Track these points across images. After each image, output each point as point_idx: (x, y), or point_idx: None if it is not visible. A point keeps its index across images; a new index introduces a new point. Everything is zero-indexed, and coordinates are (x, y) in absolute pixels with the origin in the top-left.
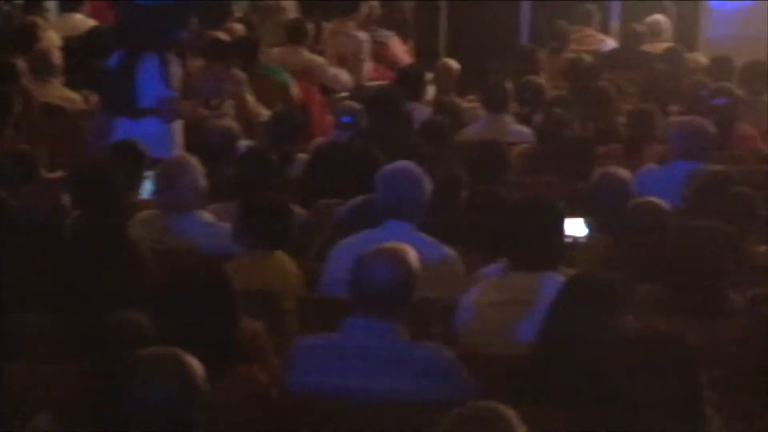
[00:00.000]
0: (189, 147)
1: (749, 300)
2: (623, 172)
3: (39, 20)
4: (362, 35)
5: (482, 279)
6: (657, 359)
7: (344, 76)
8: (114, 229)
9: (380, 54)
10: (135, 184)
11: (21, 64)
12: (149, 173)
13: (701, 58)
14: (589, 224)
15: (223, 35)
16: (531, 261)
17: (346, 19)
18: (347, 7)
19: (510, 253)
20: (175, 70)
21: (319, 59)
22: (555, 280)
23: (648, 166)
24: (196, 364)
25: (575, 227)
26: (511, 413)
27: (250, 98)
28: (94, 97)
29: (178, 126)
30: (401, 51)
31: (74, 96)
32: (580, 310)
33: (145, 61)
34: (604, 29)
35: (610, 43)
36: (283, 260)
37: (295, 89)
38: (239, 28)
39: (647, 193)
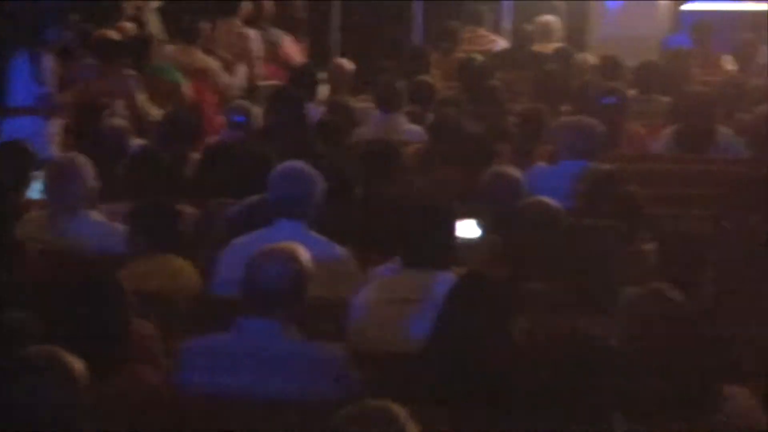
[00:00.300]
0: (79, 146)
1: (628, 299)
2: (514, 171)
3: None
4: (252, 34)
5: (375, 278)
6: (572, 359)
7: (236, 82)
8: (1, 228)
9: (273, 53)
10: (23, 183)
11: None
12: (38, 173)
13: (591, 58)
14: (481, 226)
15: (113, 34)
16: (423, 260)
17: (230, 18)
18: (227, 6)
19: (403, 252)
20: (47, 67)
21: (213, 64)
22: (447, 278)
23: (538, 165)
24: (76, 363)
25: (468, 229)
26: (402, 412)
27: (142, 97)
28: None
29: (56, 124)
30: (294, 50)
31: None
32: (470, 309)
33: (16, 59)
34: (496, 29)
35: (502, 43)
36: (176, 262)
37: (186, 89)
38: (130, 26)
39: (538, 191)
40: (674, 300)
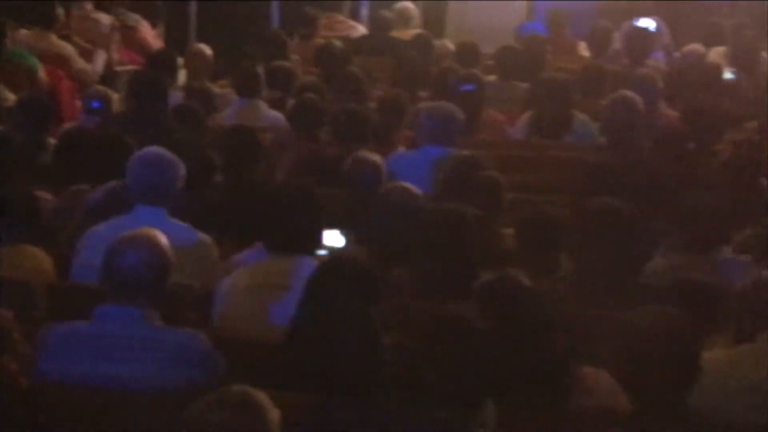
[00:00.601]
0: None
1: (480, 285)
2: (375, 157)
3: None
4: (105, 18)
5: (237, 264)
6: (443, 344)
7: (93, 68)
8: None
9: (129, 38)
10: None
11: None
12: None
13: (449, 44)
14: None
15: None
16: (288, 245)
17: (81, 3)
18: None
19: (267, 238)
20: None
21: (68, 49)
22: (311, 264)
23: (398, 151)
24: None
25: (333, 239)
26: (263, 397)
27: None
28: None
29: None
30: (151, 35)
31: None
32: (331, 294)
33: None
34: (354, 16)
35: (360, 29)
36: (32, 252)
37: (42, 74)
38: None
39: (398, 178)
40: (525, 285)
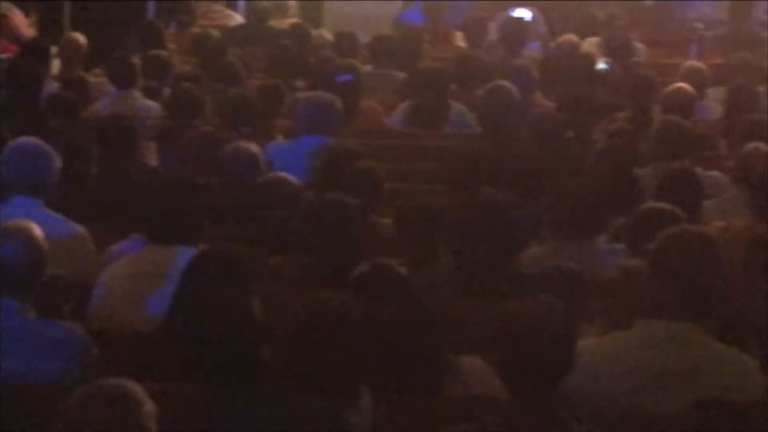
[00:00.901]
0: None
1: (356, 274)
2: (253, 147)
3: None
4: None
5: (114, 255)
6: (319, 333)
7: None
8: None
9: (1, 27)
10: None
11: None
12: None
13: (326, 34)
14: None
15: None
16: (168, 235)
17: None
18: None
19: (147, 228)
20: None
21: None
22: (191, 253)
23: (276, 141)
24: None
25: None
26: (138, 389)
27: None
28: None
29: None
30: (24, 24)
31: None
32: (207, 284)
33: None
34: (230, 5)
35: (237, 19)
36: None
37: None
38: None
39: (276, 167)
40: (399, 273)
